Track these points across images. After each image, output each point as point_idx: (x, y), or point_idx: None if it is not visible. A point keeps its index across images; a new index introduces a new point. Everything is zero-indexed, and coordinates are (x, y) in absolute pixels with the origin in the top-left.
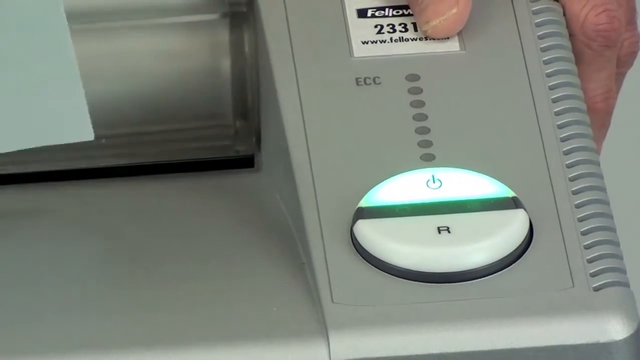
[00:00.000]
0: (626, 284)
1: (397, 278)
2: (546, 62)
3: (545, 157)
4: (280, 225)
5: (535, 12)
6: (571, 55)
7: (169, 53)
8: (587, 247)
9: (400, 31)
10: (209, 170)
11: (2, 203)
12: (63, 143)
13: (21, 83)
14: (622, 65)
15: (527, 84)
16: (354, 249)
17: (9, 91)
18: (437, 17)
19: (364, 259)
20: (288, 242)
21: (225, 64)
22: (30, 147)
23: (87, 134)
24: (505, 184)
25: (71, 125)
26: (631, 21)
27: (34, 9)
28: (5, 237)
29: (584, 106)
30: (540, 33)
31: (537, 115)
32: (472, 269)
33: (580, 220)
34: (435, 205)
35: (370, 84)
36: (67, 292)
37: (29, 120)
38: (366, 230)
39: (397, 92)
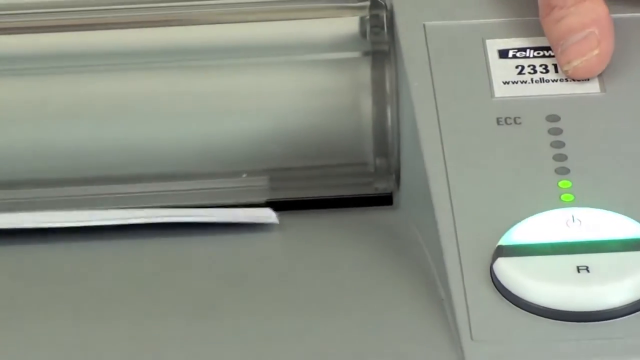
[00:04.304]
0: None
1: (536, 316)
2: None
3: None
4: (419, 261)
5: None
6: None
7: (311, 90)
8: None
9: (541, 72)
10: (348, 207)
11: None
12: None
13: None
14: None
15: None
16: (493, 286)
17: None
18: (579, 58)
19: (504, 297)
20: (427, 278)
21: (367, 101)
22: None
23: None
24: None
25: None
26: None
27: None
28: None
29: None
30: None
31: None
32: (611, 309)
33: None
34: (575, 244)
35: (510, 123)
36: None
37: None
38: (506, 268)
39: (537, 133)
